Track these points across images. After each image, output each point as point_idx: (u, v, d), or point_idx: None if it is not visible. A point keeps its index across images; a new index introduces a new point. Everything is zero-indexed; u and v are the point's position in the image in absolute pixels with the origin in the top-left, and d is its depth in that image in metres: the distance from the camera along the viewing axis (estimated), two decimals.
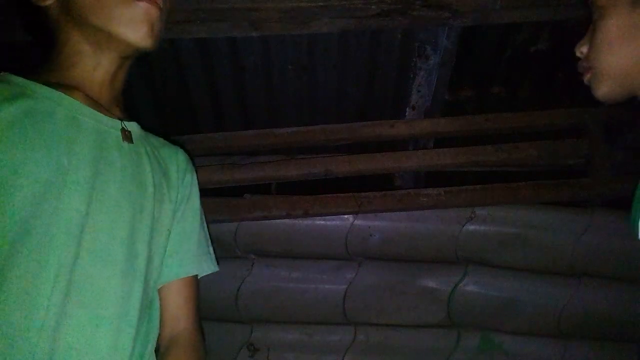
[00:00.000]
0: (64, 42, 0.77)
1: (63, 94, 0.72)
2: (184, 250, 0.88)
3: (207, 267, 0.92)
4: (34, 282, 0.62)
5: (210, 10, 1.35)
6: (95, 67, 0.78)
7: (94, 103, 0.77)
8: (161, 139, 0.92)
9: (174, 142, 0.95)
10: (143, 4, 0.73)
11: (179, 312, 0.86)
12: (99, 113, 0.75)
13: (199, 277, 0.92)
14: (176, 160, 0.90)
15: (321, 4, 1.36)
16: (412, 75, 1.71)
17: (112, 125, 0.77)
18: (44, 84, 0.72)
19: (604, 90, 0.76)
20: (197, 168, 1.78)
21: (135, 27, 0.73)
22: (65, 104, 0.72)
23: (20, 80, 0.71)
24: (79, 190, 0.68)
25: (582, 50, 0.79)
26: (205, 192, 1.79)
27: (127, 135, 0.78)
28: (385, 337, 1.87)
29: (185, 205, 0.89)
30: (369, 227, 1.80)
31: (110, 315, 0.68)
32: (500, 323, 1.84)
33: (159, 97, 1.83)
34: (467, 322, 1.86)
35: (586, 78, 0.78)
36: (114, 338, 0.68)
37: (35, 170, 0.65)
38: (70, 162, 0.68)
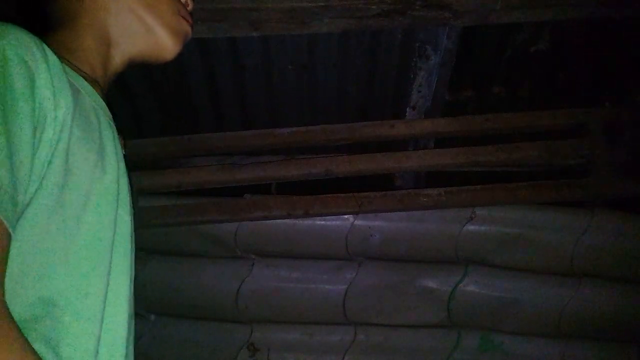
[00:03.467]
0: (91, 24, 0.71)
1: (97, 93, 0.67)
2: None
3: None
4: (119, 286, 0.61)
5: (211, 10, 1.35)
6: (112, 61, 0.75)
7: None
8: None
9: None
10: (188, 26, 0.78)
11: None
12: (111, 118, 0.74)
13: None
14: None
15: (321, 4, 1.36)
16: (412, 75, 1.71)
17: (117, 131, 0.77)
18: (81, 75, 0.66)
19: None
20: (197, 168, 1.79)
21: (176, 39, 0.77)
22: (100, 104, 0.67)
23: (63, 66, 0.59)
24: (125, 199, 0.66)
25: None
26: (205, 192, 1.81)
27: (123, 144, 0.79)
28: (385, 337, 1.87)
29: None
30: (369, 227, 1.80)
31: (125, 321, 0.69)
32: (500, 323, 1.84)
33: (159, 97, 1.82)
34: (467, 322, 1.86)
35: None
36: (127, 337, 0.68)
37: (102, 176, 0.61)
38: (119, 166, 0.65)
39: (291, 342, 1.88)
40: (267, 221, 1.76)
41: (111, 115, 0.70)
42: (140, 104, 1.84)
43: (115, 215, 0.62)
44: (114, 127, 0.70)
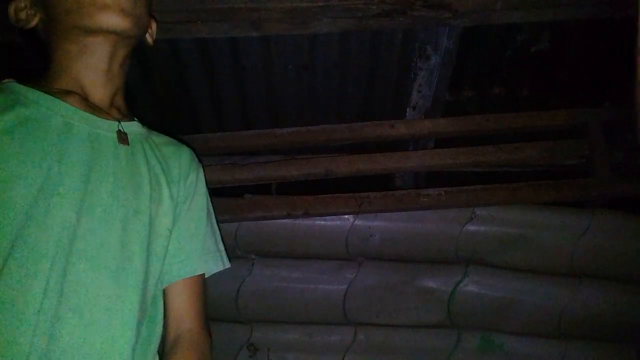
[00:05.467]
0: (55, 49, 0.81)
1: (58, 99, 0.74)
2: (188, 249, 0.88)
3: (214, 265, 0.92)
4: (24, 291, 0.64)
5: (211, 10, 1.35)
6: (87, 66, 0.80)
7: (90, 106, 0.78)
8: (166, 137, 0.93)
9: (182, 141, 0.95)
10: None
11: (183, 312, 0.86)
12: (93, 116, 0.76)
13: (206, 276, 0.92)
14: (179, 159, 0.91)
15: (321, 4, 1.36)
16: (412, 76, 1.71)
17: (108, 128, 0.78)
18: (44, 91, 0.74)
19: None
20: None
21: (107, 14, 0.76)
22: (61, 110, 0.73)
23: (19, 88, 0.73)
24: (69, 199, 0.69)
25: None
26: None
27: (123, 137, 0.79)
28: (385, 337, 1.87)
29: (189, 204, 0.89)
30: (369, 227, 1.80)
31: (102, 318, 0.69)
32: (501, 323, 1.84)
33: (159, 97, 1.82)
34: (467, 323, 1.86)
35: None
36: (108, 339, 0.69)
37: (27, 181, 0.66)
38: (60, 170, 0.69)
39: (291, 342, 1.88)
40: (267, 221, 1.76)
41: (90, 116, 0.76)
42: (140, 104, 1.84)
43: (46, 212, 0.67)
44: (92, 125, 0.76)
